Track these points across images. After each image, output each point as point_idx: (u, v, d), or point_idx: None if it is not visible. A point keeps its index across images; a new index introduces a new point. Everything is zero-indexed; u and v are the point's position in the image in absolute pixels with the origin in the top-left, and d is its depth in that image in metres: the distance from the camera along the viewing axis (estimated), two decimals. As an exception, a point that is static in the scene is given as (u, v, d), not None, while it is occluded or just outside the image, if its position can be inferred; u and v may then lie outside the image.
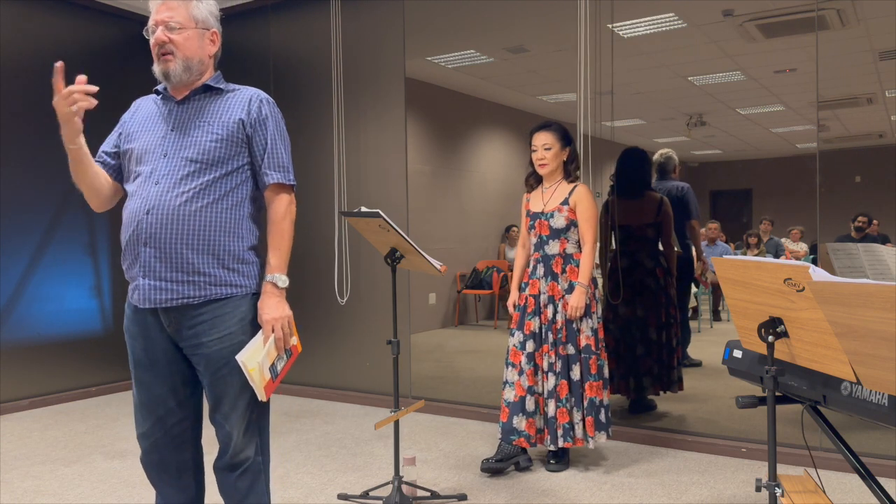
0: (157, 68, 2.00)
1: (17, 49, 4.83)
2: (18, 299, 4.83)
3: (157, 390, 2.03)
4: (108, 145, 2.11)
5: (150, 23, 2.00)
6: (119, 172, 2.10)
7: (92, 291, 5.27)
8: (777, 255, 3.75)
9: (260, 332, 1.99)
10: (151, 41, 1.99)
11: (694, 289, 4.15)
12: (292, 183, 2.08)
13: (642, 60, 3.87)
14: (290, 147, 2.13)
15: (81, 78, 1.80)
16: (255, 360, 1.94)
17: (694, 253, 3.98)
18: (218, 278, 1.97)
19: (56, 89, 1.80)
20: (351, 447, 3.88)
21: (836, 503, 2.99)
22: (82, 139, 1.91)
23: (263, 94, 2.08)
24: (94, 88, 1.82)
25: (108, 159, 2.10)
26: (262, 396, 1.96)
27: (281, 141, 2.06)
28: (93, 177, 2.00)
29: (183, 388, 2.06)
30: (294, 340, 2.07)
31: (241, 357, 1.92)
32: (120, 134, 2.10)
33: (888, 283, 1.38)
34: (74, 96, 1.79)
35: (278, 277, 2.00)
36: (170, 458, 2.06)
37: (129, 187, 2.02)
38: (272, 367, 1.99)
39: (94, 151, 2.01)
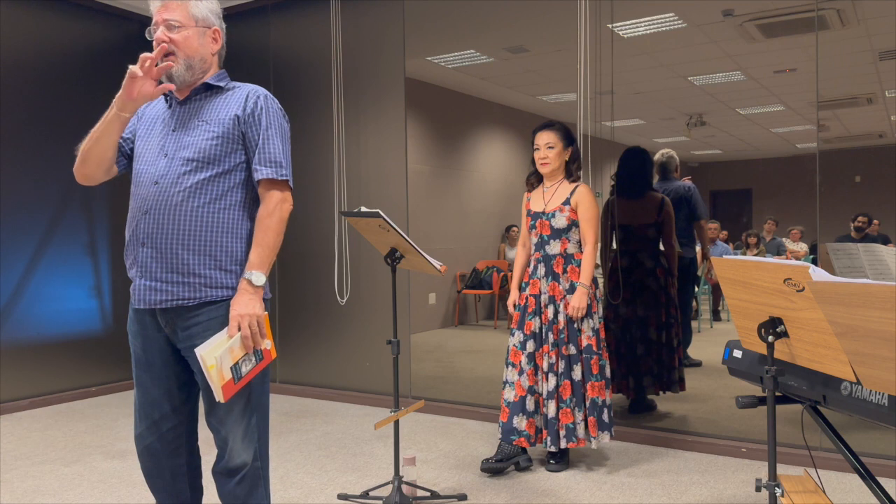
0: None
1: (18, 49, 4.83)
2: (18, 299, 4.83)
3: (153, 392, 2.02)
4: (127, 132, 2.11)
5: (152, 24, 2.02)
6: (125, 157, 2.09)
7: (92, 291, 5.27)
8: (779, 256, 3.74)
9: (225, 328, 1.91)
10: (154, 41, 2.01)
11: (696, 288, 4.14)
12: (285, 178, 1.99)
13: (642, 60, 3.87)
14: (290, 143, 2.08)
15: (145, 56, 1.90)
16: (214, 355, 1.83)
17: (699, 251, 3.98)
18: (213, 280, 1.95)
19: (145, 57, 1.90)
20: (351, 447, 3.88)
21: (836, 503, 2.99)
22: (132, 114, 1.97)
23: (262, 90, 2.04)
24: (166, 65, 1.92)
25: (122, 143, 2.09)
26: (219, 397, 1.85)
27: (277, 136, 2.00)
28: (108, 149, 1.98)
29: (178, 392, 2.05)
30: (267, 344, 1.96)
31: (200, 350, 1.83)
32: (134, 124, 2.10)
33: (888, 283, 1.37)
34: (144, 67, 1.87)
35: (254, 274, 1.92)
36: (164, 464, 2.06)
37: (133, 187, 2.02)
38: (235, 368, 1.88)
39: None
